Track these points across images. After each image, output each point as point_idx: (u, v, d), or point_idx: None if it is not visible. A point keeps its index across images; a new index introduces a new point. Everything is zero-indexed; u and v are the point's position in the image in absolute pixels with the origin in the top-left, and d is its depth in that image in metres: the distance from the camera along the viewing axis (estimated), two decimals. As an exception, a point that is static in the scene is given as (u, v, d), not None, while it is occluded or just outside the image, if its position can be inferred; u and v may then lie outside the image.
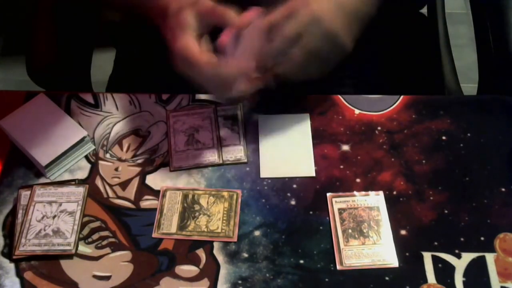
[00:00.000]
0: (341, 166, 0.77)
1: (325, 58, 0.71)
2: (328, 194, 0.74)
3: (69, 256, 0.70)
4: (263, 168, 0.77)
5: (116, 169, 0.78)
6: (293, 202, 0.74)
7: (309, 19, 0.69)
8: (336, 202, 0.74)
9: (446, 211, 0.73)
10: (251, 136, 0.80)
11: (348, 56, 0.72)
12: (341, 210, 0.73)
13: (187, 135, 0.80)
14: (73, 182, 0.76)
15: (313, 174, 0.76)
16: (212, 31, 0.73)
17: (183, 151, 0.79)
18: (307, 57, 0.70)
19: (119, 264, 0.70)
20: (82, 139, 0.77)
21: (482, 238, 0.71)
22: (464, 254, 0.69)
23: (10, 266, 0.70)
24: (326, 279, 0.68)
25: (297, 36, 0.69)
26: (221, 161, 0.77)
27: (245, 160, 0.78)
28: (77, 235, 0.71)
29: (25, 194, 0.74)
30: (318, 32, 0.69)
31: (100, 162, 0.78)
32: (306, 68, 0.71)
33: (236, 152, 0.78)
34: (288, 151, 0.79)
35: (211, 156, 0.78)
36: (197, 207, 0.74)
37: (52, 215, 0.72)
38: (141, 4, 0.78)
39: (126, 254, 0.71)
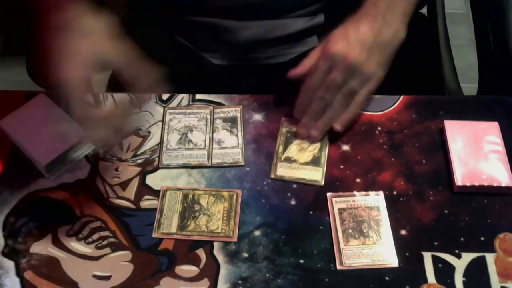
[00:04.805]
0: (341, 166, 0.77)
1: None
2: (328, 194, 0.74)
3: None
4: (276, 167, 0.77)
5: (116, 169, 0.78)
6: (293, 202, 0.74)
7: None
8: (336, 202, 0.73)
9: (446, 211, 0.73)
10: (251, 137, 0.80)
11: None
12: (341, 210, 0.73)
13: (181, 133, 0.80)
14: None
15: (322, 183, 0.76)
16: None
17: (174, 149, 0.79)
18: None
19: (119, 264, 0.70)
20: (82, 139, 0.77)
21: (482, 238, 0.71)
22: (464, 254, 0.69)
23: (10, 266, 0.70)
24: (326, 279, 0.68)
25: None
26: (209, 164, 0.77)
27: (243, 163, 0.78)
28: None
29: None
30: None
31: (100, 162, 0.78)
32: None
33: (234, 155, 0.78)
34: (307, 155, 0.78)
35: (201, 158, 0.78)
36: (197, 207, 0.74)
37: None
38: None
39: (126, 254, 0.71)
